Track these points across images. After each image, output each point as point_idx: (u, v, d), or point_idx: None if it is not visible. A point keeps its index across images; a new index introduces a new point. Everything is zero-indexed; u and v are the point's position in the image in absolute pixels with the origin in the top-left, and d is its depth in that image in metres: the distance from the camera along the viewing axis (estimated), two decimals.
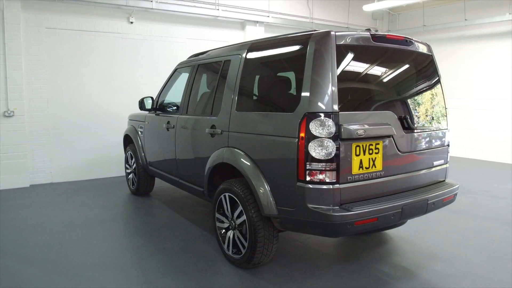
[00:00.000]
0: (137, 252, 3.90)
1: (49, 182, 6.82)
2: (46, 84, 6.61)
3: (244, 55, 3.60)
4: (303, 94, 2.88)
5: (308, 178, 2.82)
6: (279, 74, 3.43)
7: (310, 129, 2.79)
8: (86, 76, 6.98)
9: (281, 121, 3.03)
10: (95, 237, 4.32)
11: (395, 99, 3.27)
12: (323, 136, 2.78)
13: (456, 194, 3.57)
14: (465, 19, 8.86)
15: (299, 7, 9.49)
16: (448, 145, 3.67)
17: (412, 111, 3.32)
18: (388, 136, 3.07)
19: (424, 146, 3.37)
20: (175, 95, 5.11)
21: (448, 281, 3.33)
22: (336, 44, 2.88)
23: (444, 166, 3.64)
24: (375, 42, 3.09)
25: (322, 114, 2.79)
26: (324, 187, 2.81)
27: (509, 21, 8.21)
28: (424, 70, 3.52)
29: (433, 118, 3.51)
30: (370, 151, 2.97)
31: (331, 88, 2.81)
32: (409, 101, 3.34)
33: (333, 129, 2.78)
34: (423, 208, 3.21)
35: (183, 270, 3.51)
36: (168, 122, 4.67)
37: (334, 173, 2.80)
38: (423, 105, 3.44)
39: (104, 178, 7.30)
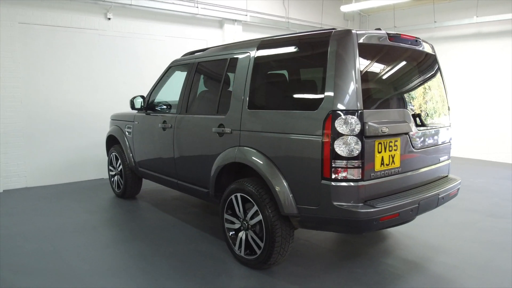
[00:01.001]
0: (141, 257, 3.74)
1: (23, 186, 6.40)
2: (20, 82, 6.20)
3: (253, 54, 3.55)
4: (326, 92, 2.88)
5: (333, 176, 2.83)
6: (296, 72, 3.41)
7: (336, 127, 2.80)
8: (62, 74, 6.61)
9: (302, 119, 3.01)
10: (92, 243, 4.10)
11: (408, 97, 3.35)
12: (349, 133, 2.80)
13: (459, 189, 3.72)
14: (435, 21, 9.27)
15: (276, 7, 9.53)
16: (450, 142, 3.82)
17: (423, 108, 3.42)
18: (406, 133, 3.15)
19: (432, 143, 3.49)
20: (169, 93, 4.96)
21: (456, 272, 3.46)
22: (357, 43, 2.91)
23: (448, 161, 3.79)
24: (390, 41, 3.15)
25: (347, 112, 2.80)
26: (350, 184, 2.83)
27: (476, 24, 8.67)
28: (430, 69, 3.63)
29: (439, 115, 3.63)
30: (390, 148, 3.03)
31: (355, 86, 2.83)
32: (419, 99, 3.44)
33: (358, 126, 2.80)
34: (435, 203, 3.32)
35: (197, 274, 3.41)
36: (164, 122, 4.52)
37: (359, 170, 2.83)
38: (431, 103, 3.55)
39: (82, 181, 6.96)
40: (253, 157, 3.33)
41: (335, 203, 2.84)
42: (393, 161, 3.06)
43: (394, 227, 4.31)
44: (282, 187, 3.12)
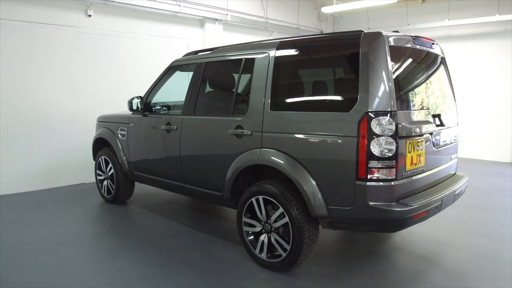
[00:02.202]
0: (159, 266, 3.58)
1: (0, 194, 5.95)
2: None
3: (273, 54, 3.49)
4: (360, 93, 2.89)
5: (368, 176, 2.85)
6: (323, 73, 3.40)
7: (372, 128, 2.83)
8: (40, 74, 6.20)
9: (334, 120, 3.01)
10: (98, 253, 3.88)
11: (427, 97, 3.44)
12: (384, 134, 2.83)
13: (466, 186, 3.88)
14: (408, 23, 9.63)
15: (255, 7, 9.50)
16: (457, 140, 3.97)
17: (440, 108, 3.53)
18: (430, 133, 3.24)
19: (448, 141, 3.61)
20: (170, 94, 4.80)
21: (470, 265, 3.60)
22: (389, 45, 2.95)
23: (456, 159, 3.94)
24: (413, 44, 3.23)
25: (382, 113, 2.83)
26: (385, 184, 2.87)
27: (447, 27, 9.10)
28: (442, 70, 3.76)
29: (451, 114, 3.77)
30: (417, 148, 3.10)
31: (388, 88, 2.87)
32: (436, 99, 3.55)
33: (393, 127, 2.84)
34: (452, 199, 3.44)
35: (221, 279, 3.32)
36: (169, 124, 4.36)
37: (394, 170, 2.87)
38: (445, 102, 3.67)
39: (63, 186, 6.57)
40: (278, 159, 3.28)
41: (370, 203, 2.87)
42: (419, 160, 3.14)
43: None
44: (312, 188, 3.10)
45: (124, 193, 5.45)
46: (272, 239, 3.40)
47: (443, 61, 3.79)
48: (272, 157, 3.33)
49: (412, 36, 3.21)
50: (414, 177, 3.09)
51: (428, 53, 3.49)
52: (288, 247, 3.28)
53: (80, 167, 6.76)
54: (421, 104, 3.29)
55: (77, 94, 6.62)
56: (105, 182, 5.58)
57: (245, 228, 3.61)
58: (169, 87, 4.90)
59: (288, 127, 3.27)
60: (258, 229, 3.52)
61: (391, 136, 2.84)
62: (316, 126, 3.11)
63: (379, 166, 2.85)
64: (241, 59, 3.79)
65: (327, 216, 3.09)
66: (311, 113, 3.18)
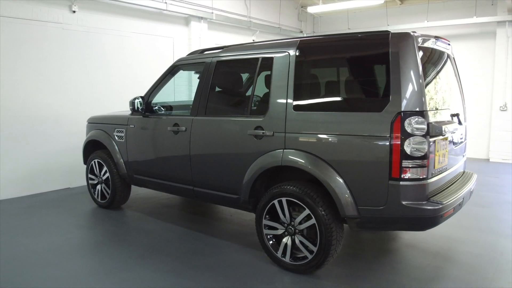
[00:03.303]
0: (176, 275, 3.43)
1: None
2: None
3: (294, 53, 3.44)
4: (392, 94, 2.90)
5: (402, 176, 2.87)
6: (349, 73, 3.38)
7: (405, 127, 2.84)
8: (21, 73, 5.82)
9: (365, 120, 3.00)
10: (106, 264, 3.65)
11: (447, 96, 3.51)
12: (417, 134, 2.85)
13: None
14: (388, 24, 9.86)
15: (238, 6, 9.41)
16: (466, 138, 4.08)
17: (456, 107, 3.61)
18: (453, 132, 3.30)
19: (462, 139, 3.70)
20: (169, 95, 4.63)
21: (484, 260, 3.71)
22: (417, 45, 2.98)
23: (465, 157, 4.04)
24: (436, 44, 3.28)
25: (415, 113, 2.85)
26: (418, 183, 2.89)
27: (427, 28, 9.38)
28: (455, 69, 3.85)
29: (463, 113, 3.86)
30: (443, 146, 3.15)
31: (420, 88, 2.90)
32: (454, 98, 3.63)
33: (425, 126, 2.87)
34: (468, 197, 3.53)
35: (247, 285, 3.23)
36: (176, 125, 4.20)
37: (425, 169, 2.90)
38: (458, 101, 3.76)
39: (47, 192, 6.21)
40: (305, 160, 3.23)
41: (404, 202, 2.88)
42: (444, 158, 3.19)
43: None
44: (342, 189, 3.08)
45: (120, 198, 5.22)
46: (297, 241, 3.35)
47: (455, 61, 3.89)
48: (298, 158, 3.27)
49: (434, 36, 3.26)
50: (439, 176, 3.14)
51: (445, 53, 3.57)
52: (314, 249, 3.24)
53: (65, 171, 6.42)
54: (443, 103, 3.35)
55: (61, 93, 6.28)
56: (98, 187, 5.32)
57: (266, 231, 3.54)
58: (168, 87, 4.74)
59: (314, 128, 3.23)
60: (280, 231, 3.46)
61: (423, 135, 2.87)
62: (345, 127, 3.08)
63: (412, 165, 2.86)
64: (257, 58, 3.70)
65: (357, 216, 3.08)
66: (339, 113, 3.15)
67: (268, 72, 3.61)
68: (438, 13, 9.26)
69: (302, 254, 3.36)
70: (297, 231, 3.35)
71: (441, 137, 3.09)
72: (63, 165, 6.40)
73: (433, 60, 3.36)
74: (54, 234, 4.37)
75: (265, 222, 3.53)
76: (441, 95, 3.38)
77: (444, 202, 2.94)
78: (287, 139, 3.36)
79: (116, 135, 4.97)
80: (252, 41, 4.14)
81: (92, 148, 5.45)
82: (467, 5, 8.86)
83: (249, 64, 3.79)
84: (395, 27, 9.65)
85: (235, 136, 3.71)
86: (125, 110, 5.83)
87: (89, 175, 5.42)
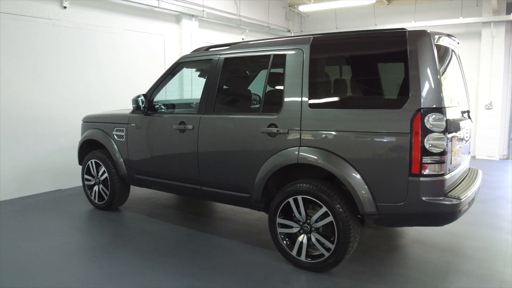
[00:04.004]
0: (190, 276, 3.36)
1: None
2: None
3: (307, 50, 3.42)
4: (411, 90, 2.92)
5: (422, 172, 2.89)
6: (366, 70, 3.36)
7: (426, 124, 2.87)
8: (11, 71, 5.59)
9: (384, 117, 3.01)
10: (117, 267, 3.53)
11: (458, 93, 3.56)
12: (437, 130, 2.89)
13: None
14: (375, 24, 10.00)
15: (229, 5, 9.34)
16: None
17: (465, 103, 3.68)
18: (466, 129, 3.36)
19: (468, 137, 3.77)
20: (179, 92, 4.54)
21: (490, 253, 3.80)
22: (434, 43, 3.01)
23: (470, 154, 4.12)
24: (449, 42, 3.33)
25: (434, 110, 2.89)
26: (437, 179, 2.93)
27: (414, 28, 9.56)
28: (460, 67, 3.92)
29: (469, 110, 3.94)
30: (458, 143, 3.20)
31: (438, 85, 2.93)
32: (463, 95, 3.69)
33: (444, 123, 2.90)
34: (477, 193, 3.60)
35: (265, 285, 3.20)
36: (182, 123, 4.12)
37: (444, 165, 2.94)
38: (464, 99, 3.83)
39: (38, 194, 5.99)
40: (322, 157, 3.22)
41: (424, 198, 2.91)
42: (458, 154, 3.24)
43: None
44: (360, 186, 3.08)
45: (119, 199, 5.08)
46: (313, 239, 3.34)
47: (460, 59, 3.96)
48: (315, 156, 3.26)
49: (446, 34, 3.31)
50: (454, 172, 3.20)
51: (454, 50, 3.63)
52: (332, 246, 3.24)
53: (57, 172, 6.22)
54: (455, 100, 3.40)
55: (52, 92, 6.07)
56: (95, 188, 5.17)
57: (279, 230, 3.51)
58: (171, 85, 4.65)
59: (332, 125, 3.22)
60: (295, 230, 3.44)
61: (441, 131, 2.90)
62: (363, 124, 3.09)
63: (431, 161, 2.90)
64: (268, 55, 3.67)
65: (376, 213, 3.09)
66: (358, 110, 3.15)
67: (277, 70, 3.58)
68: (425, 14, 9.44)
69: (317, 252, 3.36)
70: (313, 229, 3.33)
71: (458, 133, 3.14)
72: (54, 166, 6.19)
73: (446, 57, 3.41)
74: (54, 237, 4.22)
75: (279, 220, 3.50)
76: (453, 92, 3.43)
77: (462, 198, 2.98)
78: (303, 136, 3.34)
79: (116, 135, 4.84)
80: (257, 39, 4.09)
81: (88, 148, 5.29)
82: (453, 6, 9.08)
83: (259, 61, 3.76)
84: (383, 27, 9.78)
85: (247, 134, 3.66)
86: (122, 108, 5.72)
87: (86, 176, 5.26)
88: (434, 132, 2.88)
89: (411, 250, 3.89)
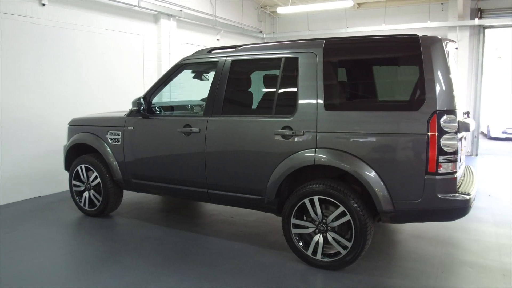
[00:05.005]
0: (210, 280, 3.32)
1: None
2: None
3: (321, 53, 3.50)
4: (427, 93, 3.09)
5: (437, 170, 3.07)
6: (382, 74, 3.50)
7: (441, 125, 3.04)
8: None
9: (402, 119, 3.16)
10: (132, 276, 3.41)
11: (460, 95, 3.79)
12: (451, 131, 3.07)
13: None
14: (346, 26, 10.31)
15: (205, 5, 9.27)
16: None
17: (463, 105, 3.92)
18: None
19: (466, 137, 4.03)
20: (177, 95, 4.47)
21: (486, 244, 4.06)
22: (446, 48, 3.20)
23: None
24: (452, 47, 3.54)
25: (449, 112, 3.08)
26: (450, 176, 3.11)
27: (384, 31, 9.95)
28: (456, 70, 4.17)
29: (469, 111, 4.19)
30: (462, 143, 3.42)
31: (450, 87, 3.13)
32: (462, 97, 3.92)
33: (456, 124, 3.09)
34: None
35: (286, 285, 3.25)
36: (188, 126, 4.06)
37: (456, 163, 3.13)
38: (463, 99, 4.08)
39: (17, 202, 5.64)
40: (340, 159, 3.32)
41: (439, 195, 3.09)
42: (462, 153, 3.46)
43: None
44: (379, 186, 3.21)
45: (113, 204, 4.92)
46: (329, 238, 3.42)
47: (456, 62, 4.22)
48: (332, 157, 3.35)
49: (450, 40, 3.52)
50: (461, 170, 3.41)
51: (453, 55, 3.86)
52: (349, 244, 3.34)
53: (35, 178, 5.90)
54: (460, 102, 3.62)
55: (30, 94, 5.75)
56: (85, 194, 4.96)
57: (294, 230, 3.57)
58: (175, 87, 4.57)
59: (349, 127, 3.32)
60: (310, 230, 3.51)
61: (455, 132, 3.09)
62: (380, 126, 3.22)
63: (445, 160, 3.08)
64: (279, 58, 3.71)
65: (393, 211, 3.23)
66: (374, 112, 3.28)
67: (289, 73, 3.64)
68: (394, 17, 9.86)
69: (332, 250, 3.46)
70: (329, 228, 3.42)
71: (463, 133, 3.35)
72: (33, 172, 5.87)
73: (452, 61, 3.62)
74: (53, 248, 4.02)
75: (294, 221, 3.56)
76: (457, 94, 3.65)
77: (471, 193, 3.19)
78: (319, 138, 3.42)
79: (110, 138, 4.68)
80: (264, 42, 4.11)
81: (75, 153, 5.07)
82: (421, 10, 9.56)
83: (271, 64, 3.79)
84: (354, 30, 10.11)
85: (259, 136, 3.68)
86: (113, 111, 5.53)
87: (74, 182, 5.03)
88: (448, 132, 3.06)
89: (412, 244, 4.09)
